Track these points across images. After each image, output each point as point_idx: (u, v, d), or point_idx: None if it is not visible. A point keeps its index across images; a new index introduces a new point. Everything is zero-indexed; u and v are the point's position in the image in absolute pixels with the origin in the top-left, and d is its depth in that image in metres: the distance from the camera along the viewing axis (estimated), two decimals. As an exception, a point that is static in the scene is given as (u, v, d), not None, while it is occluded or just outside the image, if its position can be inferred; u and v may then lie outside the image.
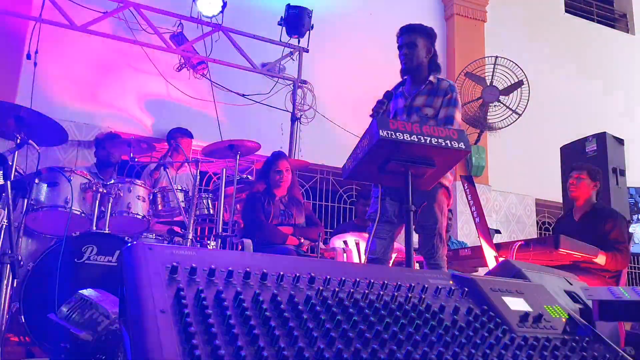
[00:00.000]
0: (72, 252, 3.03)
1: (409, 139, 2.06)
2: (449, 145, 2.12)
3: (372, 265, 2.62)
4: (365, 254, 3.00)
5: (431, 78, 3.01)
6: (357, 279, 1.18)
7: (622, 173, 4.89)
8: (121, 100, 5.24)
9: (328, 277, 1.15)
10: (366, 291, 1.15)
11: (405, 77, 3.11)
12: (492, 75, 6.69)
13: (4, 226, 2.66)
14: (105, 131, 4.73)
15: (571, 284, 1.87)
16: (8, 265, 2.27)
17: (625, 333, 2.36)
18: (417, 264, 3.57)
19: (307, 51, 5.50)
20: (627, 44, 8.64)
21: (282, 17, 5.31)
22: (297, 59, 5.54)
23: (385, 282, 1.21)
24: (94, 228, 3.28)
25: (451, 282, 1.34)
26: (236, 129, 5.57)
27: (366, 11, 6.58)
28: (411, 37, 3.01)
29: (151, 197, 3.70)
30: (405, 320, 1.10)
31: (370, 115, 2.82)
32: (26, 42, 4.67)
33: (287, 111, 5.55)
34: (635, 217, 6.05)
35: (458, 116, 2.93)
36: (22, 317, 2.83)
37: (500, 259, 3.31)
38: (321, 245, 3.85)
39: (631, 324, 2.67)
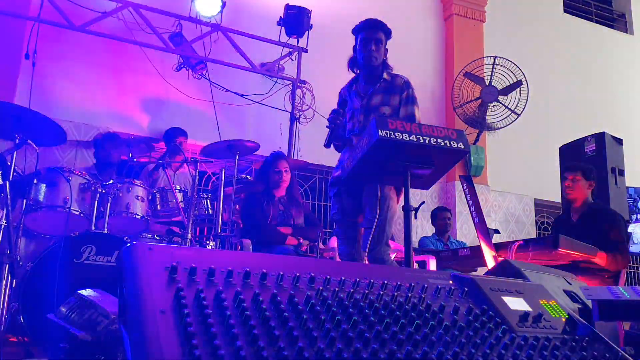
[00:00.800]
0: (71, 252, 3.02)
1: (408, 138, 2.06)
2: (448, 145, 2.13)
3: (372, 265, 2.62)
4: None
5: (385, 75, 2.96)
6: (357, 279, 1.18)
7: (621, 173, 4.89)
8: (120, 100, 5.23)
9: (328, 277, 1.15)
10: (366, 291, 1.15)
11: (358, 73, 3.07)
12: (491, 75, 6.70)
13: (3, 226, 2.66)
14: (104, 131, 4.72)
15: (570, 284, 1.88)
16: (7, 265, 2.27)
17: (624, 333, 2.36)
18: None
19: (306, 51, 5.50)
20: (625, 43, 8.66)
21: (281, 17, 5.31)
22: (296, 59, 5.54)
23: (385, 282, 1.21)
24: (93, 228, 3.27)
25: (451, 282, 1.34)
26: (235, 129, 5.57)
27: (365, 11, 6.56)
28: (378, 33, 2.98)
29: (150, 197, 3.69)
30: (405, 320, 1.09)
31: (327, 127, 2.82)
32: (25, 42, 4.67)
33: (286, 111, 5.55)
34: (633, 216, 6.05)
35: (417, 113, 2.91)
36: (21, 317, 2.82)
37: (500, 259, 3.31)
38: (320, 245, 3.85)
39: (630, 324, 2.67)
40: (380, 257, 2.78)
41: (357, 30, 3.02)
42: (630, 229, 4.33)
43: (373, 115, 2.90)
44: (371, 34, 2.96)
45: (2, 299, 2.35)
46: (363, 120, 2.94)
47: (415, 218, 2.91)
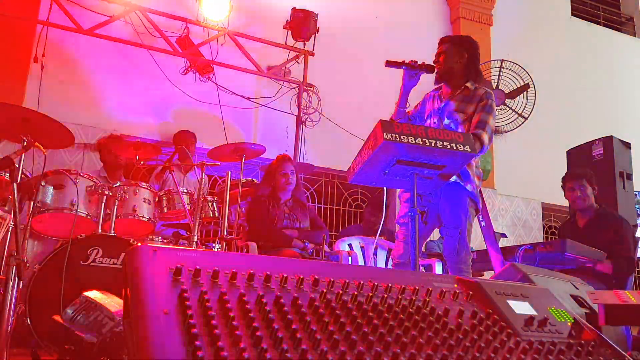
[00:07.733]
0: (78, 255, 3.03)
1: (414, 142, 2.06)
2: (454, 148, 2.12)
3: (377, 268, 2.62)
4: (392, 258, 3.01)
5: (468, 84, 2.98)
6: (361, 282, 1.17)
7: (629, 177, 4.86)
8: (127, 103, 5.26)
9: (332, 279, 1.15)
10: (370, 294, 1.14)
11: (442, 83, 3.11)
12: (498, 79, 6.69)
13: (11, 228, 2.67)
14: (108, 134, 4.71)
15: (577, 288, 1.86)
16: (14, 267, 2.28)
17: (632, 337, 2.34)
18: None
19: (313, 54, 5.50)
20: (633, 47, 8.60)
21: (287, 20, 5.32)
22: (302, 62, 5.55)
23: (390, 284, 1.20)
24: (100, 230, 3.29)
25: (456, 285, 1.33)
26: (241, 132, 5.59)
27: (372, 14, 6.58)
28: (442, 46, 3.05)
29: (157, 200, 3.70)
30: (409, 323, 1.09)
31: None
32: (33, 45, 4.71)
33: (293, 114, 5.56)
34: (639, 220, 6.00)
35: (492, 122, 2.88)
36: (28, 318, 2.83)
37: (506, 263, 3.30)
38: (326, 248, 3.85)
39: (638, 328, 2.65)
40: (459, 267, 2.78)
41: None
42: (637, 234, 4.29)
43: (447, 119, 2.94)
44: (438, 47, 3.07)
45: (9, 300, 2.36)
46: (437, 121, 2.97)
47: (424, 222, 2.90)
